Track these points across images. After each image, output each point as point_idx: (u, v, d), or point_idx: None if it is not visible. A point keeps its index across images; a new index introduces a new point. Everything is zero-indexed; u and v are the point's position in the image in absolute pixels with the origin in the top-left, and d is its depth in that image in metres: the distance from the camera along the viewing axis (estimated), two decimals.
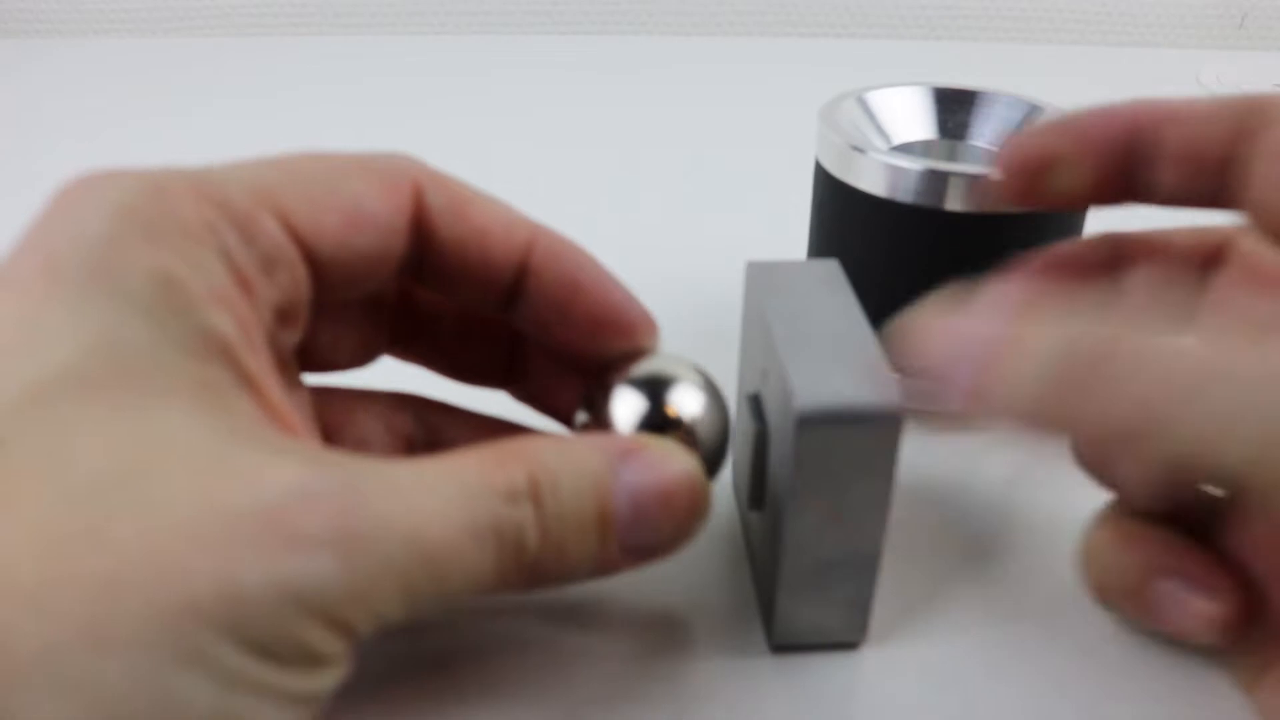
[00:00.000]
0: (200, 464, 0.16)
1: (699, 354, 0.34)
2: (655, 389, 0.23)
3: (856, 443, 0.22)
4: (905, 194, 0.29)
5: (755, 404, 0.25)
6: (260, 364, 0.18)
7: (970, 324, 0.20)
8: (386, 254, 0.21)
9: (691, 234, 0.46)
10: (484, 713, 0.23)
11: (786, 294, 0.25)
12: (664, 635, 0.25)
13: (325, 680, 0.17)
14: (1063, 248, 0.25)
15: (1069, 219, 0.30)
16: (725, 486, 0.30)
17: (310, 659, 0.16)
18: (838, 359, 0.22)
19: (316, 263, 0.20)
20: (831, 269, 0.26)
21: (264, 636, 0.15)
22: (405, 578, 0.17)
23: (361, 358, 0.24)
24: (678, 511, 0.20)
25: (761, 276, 0.26)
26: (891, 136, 0.33)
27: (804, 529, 0.22)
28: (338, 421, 0.23)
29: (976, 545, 0.28)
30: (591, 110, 0.61)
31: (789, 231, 0.38)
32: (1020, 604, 0.26)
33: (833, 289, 0.26)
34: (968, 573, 0.27)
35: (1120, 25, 0.77)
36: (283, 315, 0.20)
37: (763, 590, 0.25)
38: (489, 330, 0.25)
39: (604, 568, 0.20)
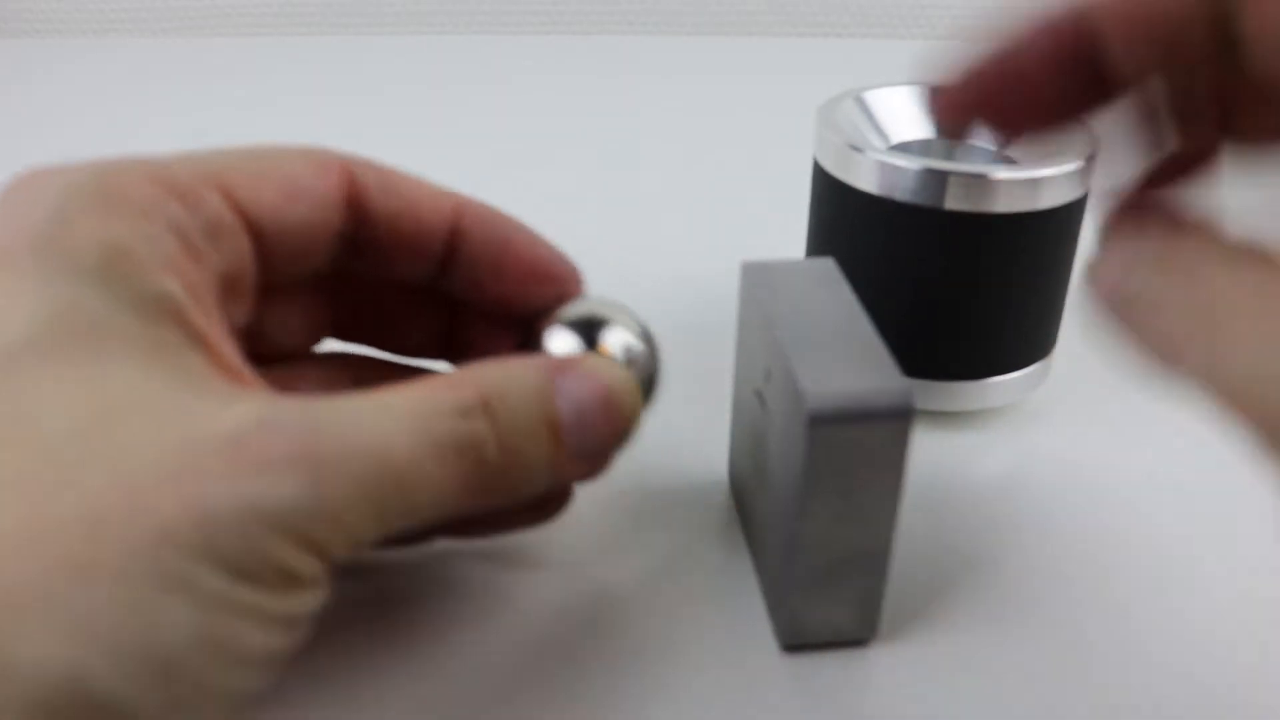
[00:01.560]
0: (161, 410, 0.17)
1: (698, 350, 0.34)
2: (587, 328, 0.24)
3: (867, 441, 0.22)
4: (903, 193, 0.29)
5: (760, 401, 0.25)
6: (211, 326, 0.19)
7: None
8: (323, 226, 0.22)
9: (690, 233, 0.46)
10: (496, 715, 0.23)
11: (786, 293, 0.25)
12: (671, 639, 0.25)
13: (305, 602, 0.18)
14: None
15: (1066, 217, 0.30)
16: (722, 485, 0.30)
17: (288, 580, 0.17)
18: (845, 358, 0.23)
19: (259, 235, 0.21)
20: (828, 267, 0.27)
21: (239, 558, 0.16)
22: (373, 496, 0.18)
23: (307, 341, 0.26)
24: (617, 416, 0.22)
25: (758, 276, 0.26)
26: (890, 136, 0.33)
27: (816, 528, 0.23)
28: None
29: (983, 542, 0.28)
30: (590, 110, 0.61)
31: (787, 231, 0.38)
32: (1028, 599, 0.26)
33: (832, 287, 0.26)
34: (975, 569, 0.27)
35: None
36: (230, 286, 0.21)
37: (771, 590, 0.25)
38: (426, 303, 0.26)
39: (558, 475, 0.21)
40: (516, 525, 0.26)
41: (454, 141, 0.55)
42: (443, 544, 0.27)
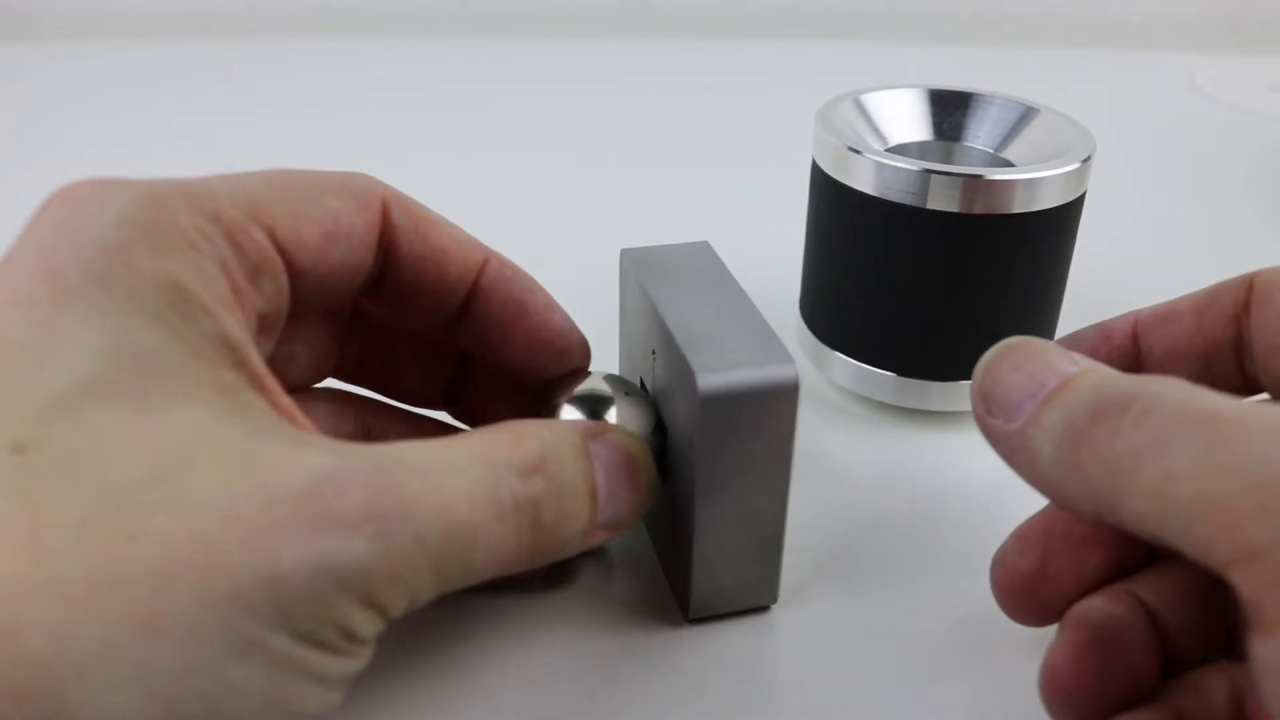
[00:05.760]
0: (229, 458, 0.16)
1: None
2: (596, 406, 0.24)
3: (758, 414, 0.22)
4: (900, 194, 0.29)
5: (642, 386, 0.26)
6: (263, 366, 0.19)
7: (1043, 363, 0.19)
8: (357, 267, 0.22)
9: (690, 233, 0.46)
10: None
11: (667, 277, 0.26)
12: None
13: (359, 662, 0.17)
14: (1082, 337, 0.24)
15: (1063, 218, 0.30)
16: None
17: (349, 640, 0.17)
18: (731, 336, 0.23)
19: (296, 274, 0.21)
20: (703, 250, 0.27)
21: (308, 620, 0.16)
22: (436, 557, 0.18)
23: (312, 376, 0.25)
24: (640, 486, 0.22)
25: (636, 262, 0.26)
26: (887, 138, 0.33)
27: (713, 504, 0.23)
28: None
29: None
30: (590, 113, 0.61)
31: (786, 231, 0.38)
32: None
33: (710, 269, 0.26)
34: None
35: (1114, 28, 0.78)
36: (264, 325, 0.20)
37: (672, 566, 0.26)
38: (435, 350, 0.26)
39: (584, 542, 0.21)
40: (508, 589, 0.26)
41: (449, 146, 0.56)
42: None
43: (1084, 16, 0.78)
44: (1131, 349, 0.23)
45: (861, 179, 0.30)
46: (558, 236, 0.44)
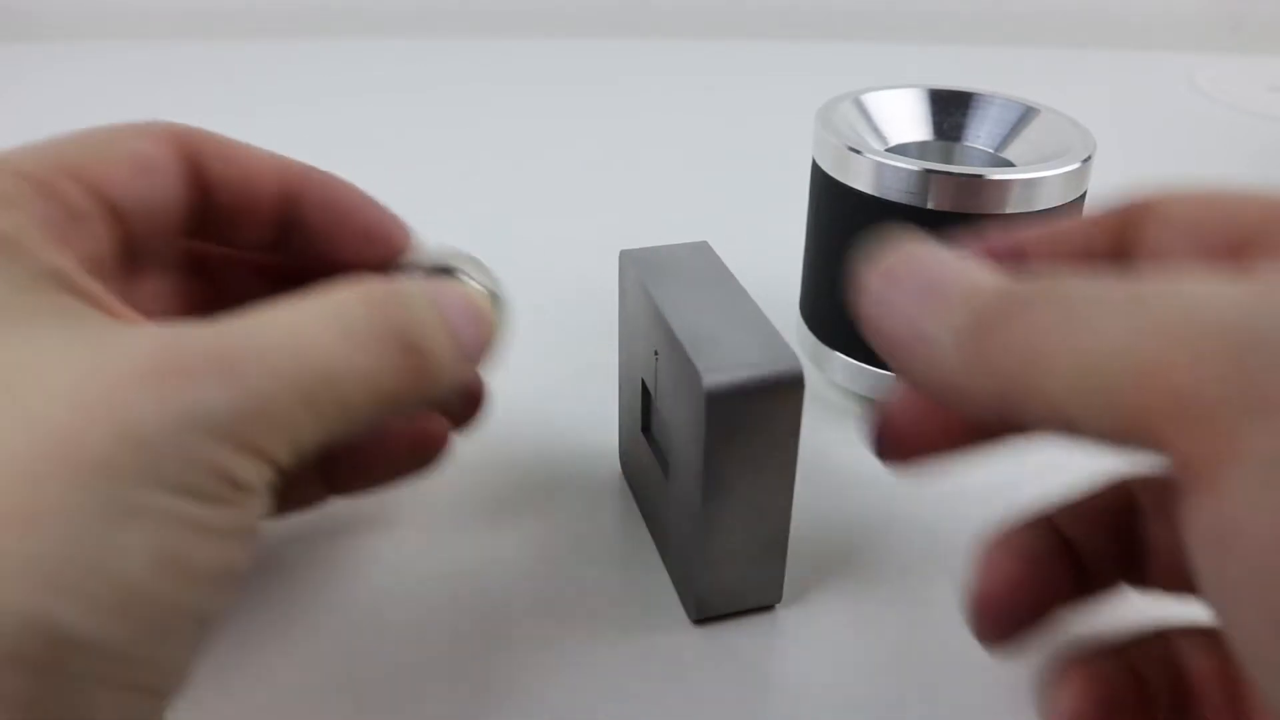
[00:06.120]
0: (70, 355, 0.17)
1: None
2: (433, 270, 0.25)
3: (763, 412, 0.22)
4: (900, 194, 0.29)
5: (645, 385, 0.26)
6: (104, 292, 0.19)
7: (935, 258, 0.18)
8: (174, 199, 0.23)
9: (691, 233, 0.46)
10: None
11: (668, 277, 0.26)
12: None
13: (253, 511, 0.18)
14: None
15: (1063, 218, 0.30)
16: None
17: (233, 488, 0.17)
18: (735, 335, 0.23)
19: (116, 215, 0.21)
20: (703, 250, 0.27)
21: (182, 472, 0.16)
22: (303, 393, 0.18)
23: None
24: (483, 321, 0.22)
25: (636, 262, 0.26)
26: (887, 138, 0.33)
27: (719, 503, 0.23)
28: None
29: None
30: (592, 113, 0.61)
31: (786, 231, 0.38)
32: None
33: (711, 269, 0.26)
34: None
35: (1114, 28, 0.78)
36: (97, 269, 0.21)
37: (677, 566, 0.26)
38: (276, 278, 0.27)
39: (461, 375, 0.22)
40: (400, 474, 0.26)
41: (453, 144, 0.56)
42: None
43: (1084, 16, 0.78)
44: (1013, 260, 0.22)
45: (861, 179, 0.30)
46: (558, 237, 0.44)
